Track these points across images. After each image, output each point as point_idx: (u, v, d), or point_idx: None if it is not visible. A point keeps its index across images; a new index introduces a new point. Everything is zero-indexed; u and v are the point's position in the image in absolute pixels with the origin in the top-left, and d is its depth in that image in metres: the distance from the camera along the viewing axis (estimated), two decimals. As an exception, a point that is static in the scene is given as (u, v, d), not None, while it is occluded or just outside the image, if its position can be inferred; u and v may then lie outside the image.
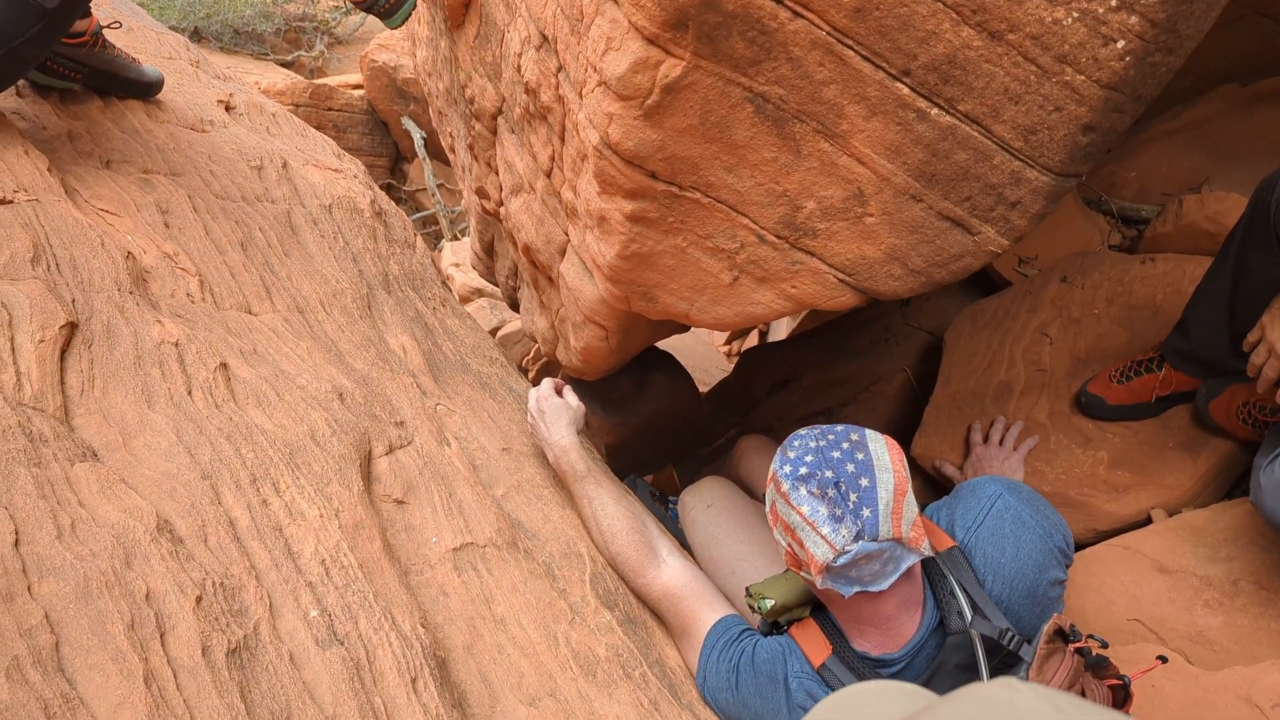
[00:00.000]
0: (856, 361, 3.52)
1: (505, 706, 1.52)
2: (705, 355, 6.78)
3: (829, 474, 1.52)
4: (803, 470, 1.55)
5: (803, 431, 1.65)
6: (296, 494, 1.60)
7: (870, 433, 1.62)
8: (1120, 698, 1.61)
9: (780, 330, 6.05)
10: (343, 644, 1.38)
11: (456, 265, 7.79)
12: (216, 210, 2.37)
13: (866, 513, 1.48)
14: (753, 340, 6.86)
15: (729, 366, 6.52)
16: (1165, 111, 3.35)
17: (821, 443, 1.59)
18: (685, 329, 2.70)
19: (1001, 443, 2.60)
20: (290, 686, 1.28)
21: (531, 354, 6.04)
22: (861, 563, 1.50)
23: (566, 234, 2.18)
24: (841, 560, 1.48)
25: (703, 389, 5.73)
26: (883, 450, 1.58)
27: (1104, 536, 2.38)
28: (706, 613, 1.86)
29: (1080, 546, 2.38)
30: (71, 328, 1.68)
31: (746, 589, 1.81)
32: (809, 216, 1.73)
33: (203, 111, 2.93)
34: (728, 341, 7.35)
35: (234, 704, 1.20)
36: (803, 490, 1.53)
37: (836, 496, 1.49)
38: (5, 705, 1.05)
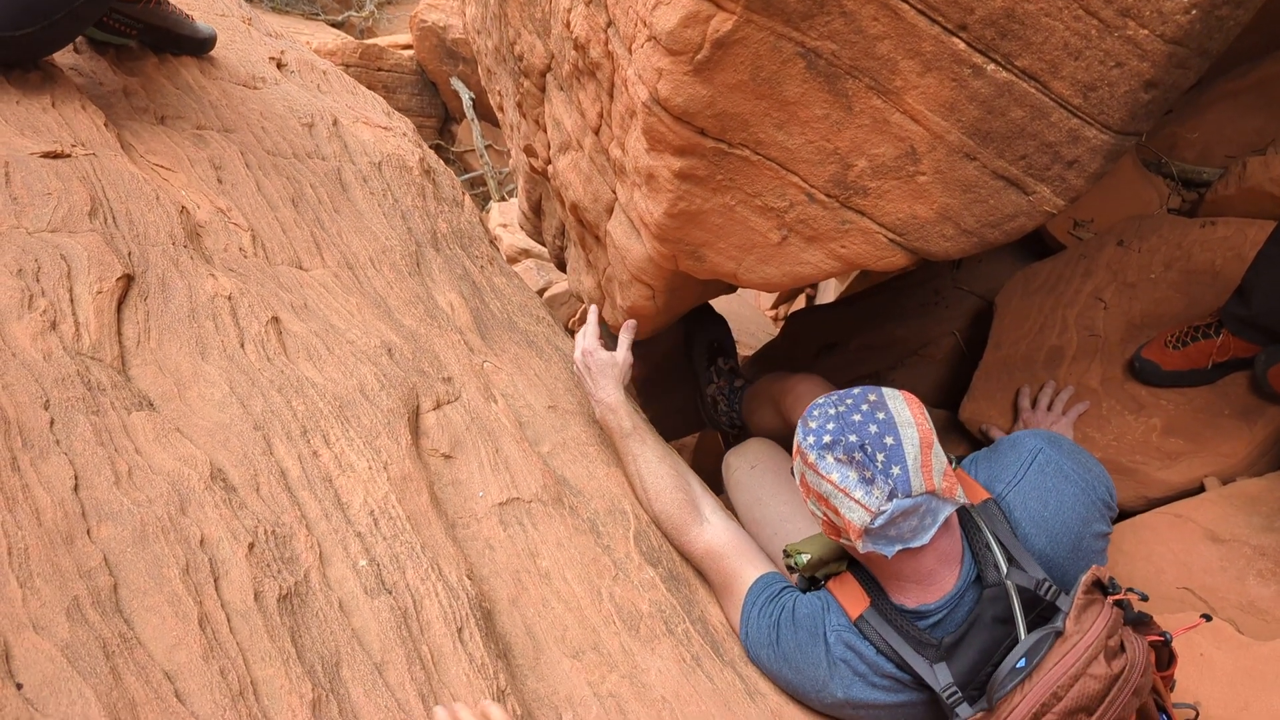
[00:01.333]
0: (905, 325, 3.48)
1: (549, 658, 1.54)
2: (751, 319, 6.76)
3: (853, 438, 1.51)
4: (826, 438, 1.53)
5: (820, 400, 1.63)
6: (346, 446, 1.63)
7: (887, 390, 1.61)
8: (1164, 657, 1.59)
9: (828, 293, 6.01)
10: (390, 593, 1.41)
11: (504, 226, 7.81)
12: (268, 166, 2.40)
13: (896, 470, 1.47)
14: (799, 304, 6.82)
15: (775, 330, 6.49)
16: (1231, 70, 3.25)
17: (840, 408, 1.57)
18: (732, 289, 2.68)
19: (1050, 407, 2.56)
20: (340, 633, 1.31)
21: (578, 315, 6.05)
22: (899, 520, 1.49)
23: (614, 192, 2.17)
24: (879, 521, 1.47)
25: (748, 352, 5.72)
26: (902, 406, 1.56)
27: (1155, 504, 2.34)
28: (748, 569, 1.86)
29: (1131, 514, 2.35)
30: (128, 280, 1.71)
31: (784, 549, 1.82)
32: (860, 175, 1.71)
33: (254, 68, 2.95)
34: (774, 305, 7.32)
35: (285, 648, 1.23)
36: (829, 458, 1.52)
37: (864, 459, 1.48)
38: (65, 643, 1.09)
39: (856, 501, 1.48)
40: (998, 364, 2.82)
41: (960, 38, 1.49)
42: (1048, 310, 2.84)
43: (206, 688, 1.13)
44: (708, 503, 2.01)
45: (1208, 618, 1.61)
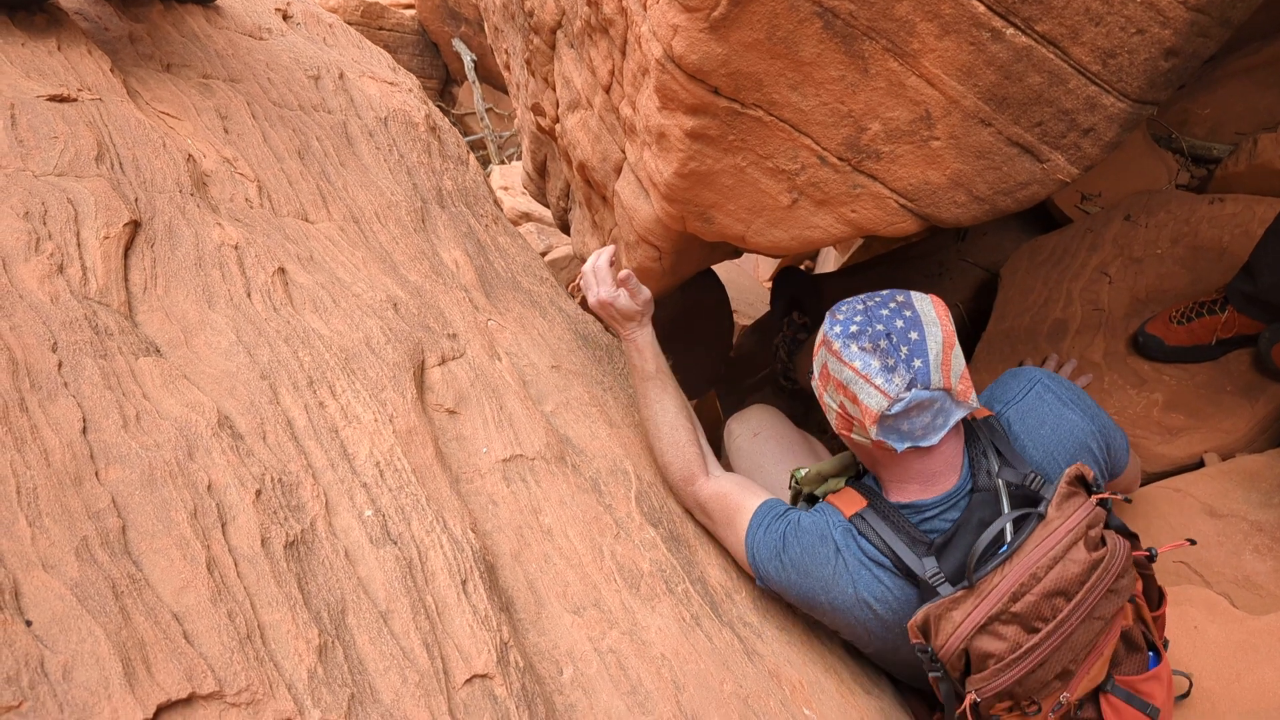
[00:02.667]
0: (908, 296, 3.47)
1: (551, 613, 1.55)
2: (749, 288, 6.76)
3: (879, 327, 1.55)
4: (853, 328, 1.57)
5: (848, 299, 1.67)
6: (352, 398, 1.62)
7: (915, 293, 1.64)
8: (1154, 594, 1.65)
9: (828, 264, 6.00)
10: (396, 544, 1.41)
11: (505, 189, 7.78)
12: (274, 118, 2.38)
13: (918, 363, 1.51)
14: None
15: (775, 300, 6.48)
16: (1244, 46, 3.23)
17: (870, 303, 1.61)
18: (739, 253, 2.67)
19: None
20: (345, 581, 1.32)
21: (579, 278, 6.04)
22: (913, 413, 1.53)
23: (623, 151, 2.16)
24: (896, 408, 1.51)
25: (746, 322, 5.72)
26: (929, 307, 1.59)
27: (1155, 478, 2.36)
28: (752, 500, 1.88)
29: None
30: (135, 226, 1.70)
31: (790, 473, 1.88)
32: (873, 139, 1.70)
33: (261, 19, 2.92)
34: (772, 276, 7.31)
35: (291, 593, 1.23)
36: (854, 347, 1.55)
37: (889, 347, 1.52)
38: (75, 582, 1.09)
39: (876, 388, 1.52)
40: (1001, 336, 2.82)
41: (981, 0, 1.47)
42: (1053, 283, 2.83)
43: (214, 630, 1.13)
44: (714, 461, 2.02)
45: (1192, 541, 1.64)
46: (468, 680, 1.29)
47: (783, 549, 1.74)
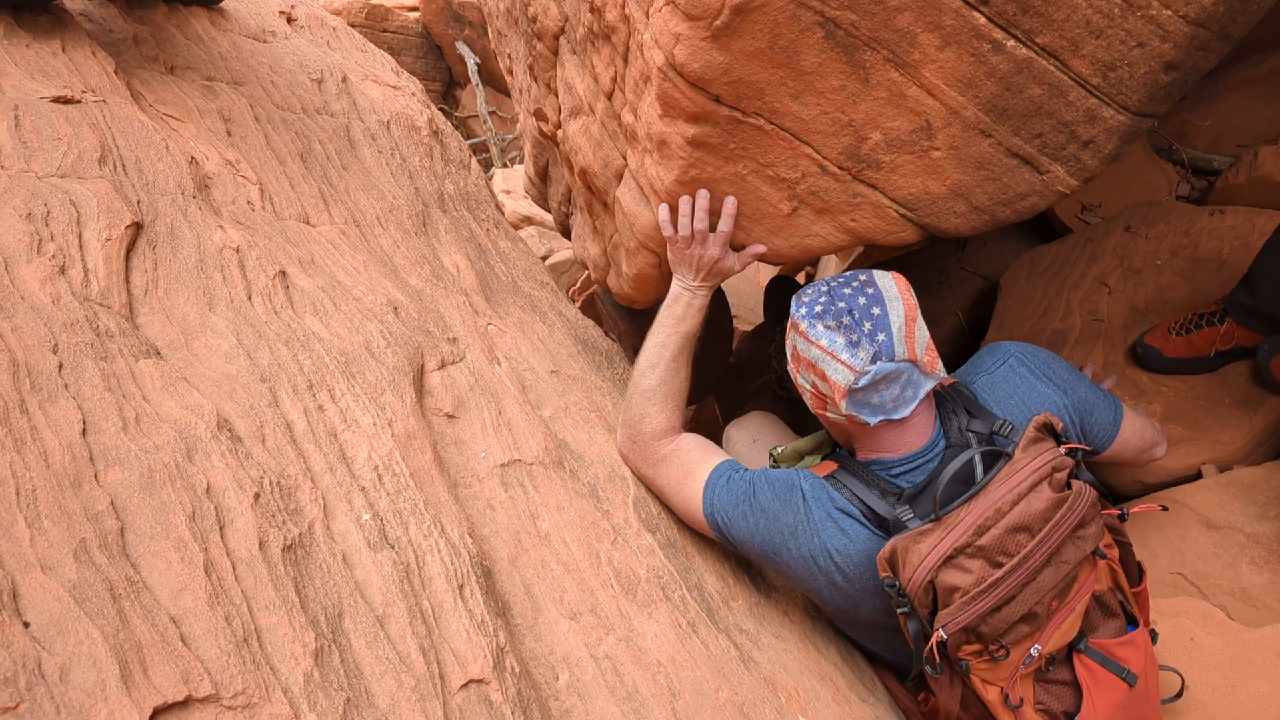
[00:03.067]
0: (908, 304, 3.48)
1: (547, 619, 1.55)
2: (750, 294, 6.75)
3: (842, 305, 1.59)
4: (818, 308, 1.62)
5: (813, 283, 1.71)
6: (351, 401, 1.63)
7: (877, 270, 1.68)
8: (1133, 570, 1.70)
9: (829, 270, 6.00)
10: (393, 548, 1.41)
11: (507, 192, 7.79)
12: (277, 121, 2.38)
13: (881, 337, 1.55)
14: (802, 280, 6.80)
15: (776, 306, 6.48)
16: (1245, 59, 3.23)
17: (833, 284, 1.65)
18: (738, 261, 2.67)
19: None
20: (343, 585, 1.32)
21: (579, 283, 6.04)
22: (881, 385, 1.57)
23: (624, 158, 2.16)
24: (863, 381, 1.55)
25: (746, 327, 5.72)
26: (890, 283, 1.63)
27: (1152, 489, 2.36)
28: (716, 457, 1.89)
29: (1127, 498, 2.36)
30: (137, 228, 1.70)
31: (769, 451, 1.92)
32: (874, 148, 1.71)
33: (264, 21, 2.93)
34: (766, 284, 7.29)
35: (289, 597, 1.24)
36: (819, 326, 1.60)
37: (851, 323, 1.57)
38: (73, 584, 1.09)
39: (843, 363, 1.56)
40: (1000, 345, 2.82)
41: (981, 12, 1.48)
42: (1052, 293, 2.84)
43: (211, 633, 1.13)
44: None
45: (1164, 508, 1.67)
46: (464, 685, 1.29)
47: (752, 495, 1.75)
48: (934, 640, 1.47)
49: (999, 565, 1.44)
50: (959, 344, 3.26)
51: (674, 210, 1.95)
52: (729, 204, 1.89)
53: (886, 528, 1.60)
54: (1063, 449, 1.55)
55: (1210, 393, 2.43)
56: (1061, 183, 1.65)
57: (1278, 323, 2.26)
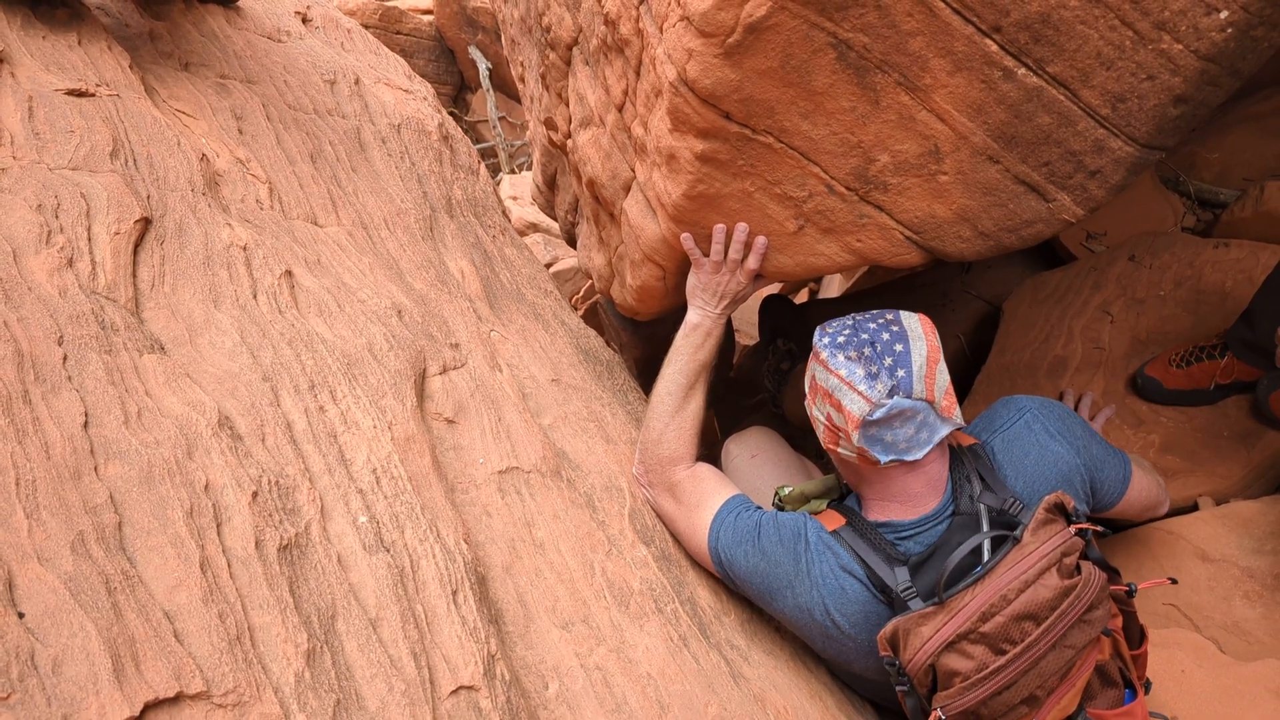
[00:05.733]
0: (910, 325, 3.48)
1: (539, 627, 1.56)
2: (751, 308, 6.75)
3: (865, 338, 1.59)
4: (841, 339, 1.62)
5: (840, 316, 1.72)
6: (352, 403, 1.63)
7: (904, 311, 1.67)
8: (1135, 632, 1.66)
9: (831, 289, 6.00)
10: (388, 551, 1.42)
11: (514, 199, 7.81)
12: (289, 120, 2.39)
13: (901, 372, 1.54)
14: (803, 297, 6.81)
15: (778, 321, 6.48)
16: (1255, 93, 3.25)
17: (859, 318, 1.66)
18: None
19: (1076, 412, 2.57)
20: (337, 586, 1.32)
21: (582, 292, 6.05)
22: (895, 422, 1.56)
23: (633, 170, 2.17)
24: (878, 414, 1.54)
25: (748, 342, 5.73)
26: (916, 324, 1.63)
27: (1148, 520, 2.36)
28: (728, 490, 1.91)
29: (1122, 528, 2.36)
30: (146, 223, 1.71)
31: (775, 489, 1.91)
32: (881, 170, 1.71)
33: (280, 21, 2.95)
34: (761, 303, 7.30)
35: (283, 597, 1.24)
36: (840, 356, 1.59)
37: (872, 355, 1.56)
38: (69, 576, 1.10)
39: (859, 394, 1.55)
40: (1000, 370, 2.83)
41: (993, 39, 1.49)
42: (1055, 319, 2.84)
43: (204, 630, 1.14)
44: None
45: (1173, 580, 1.66)
46: (453, 691, 1.29)
47: (758, 537, 1.76)
48: (932, 719, 1.46)
49: (1002, 652, 1.42)
50: (960, 367, 3.26)
51: (698, 239, 1.99)
52: (760, 241, 1.93)
53: (888, 594, 1.59)
54: (1073, 529, 1.52)
55: (1209, 425, 2.43)
56: (1068, 211, 1.65)
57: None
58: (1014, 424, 1.78)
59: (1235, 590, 2.10)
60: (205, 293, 1.69)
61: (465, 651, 1.35)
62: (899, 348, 1.56)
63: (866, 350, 1.56)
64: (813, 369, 1.68)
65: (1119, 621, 1.61)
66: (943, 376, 1.59)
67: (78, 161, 1.74)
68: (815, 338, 1.68)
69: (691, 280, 2.07)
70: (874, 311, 1.67)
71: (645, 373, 3.69)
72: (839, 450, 1.66)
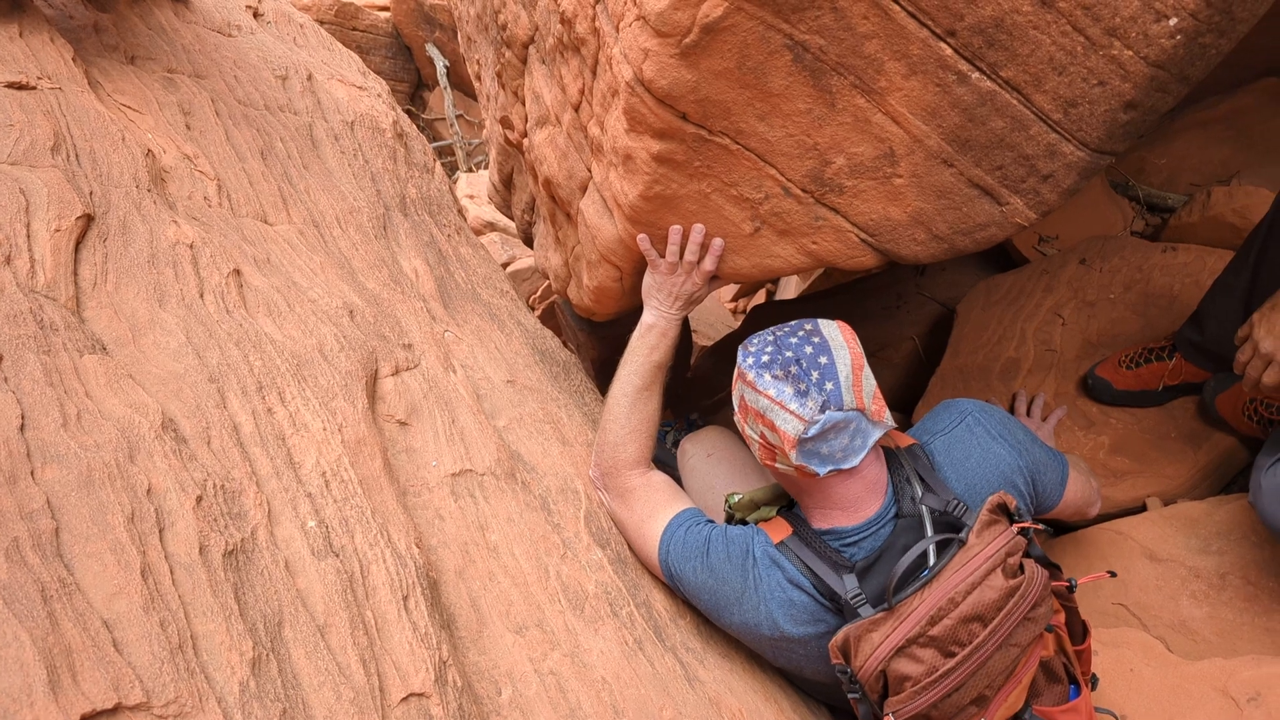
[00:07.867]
0: (865, 326, 3.50)
1: (492, 632, 1.54)
2: (711, 310, 6.77)
3: (789, 354, 1.58)
4: (764, 358, 1.61)
5: (758, 332, 1.71)
6: (301, 405, 1.60)
7: (821, 320, 1.68)
8: (1078, 628, 1.68)
9: (789, 290, 6.03)
10: (338, 556, 1.39)
11: (470, 197, 7.76)
12: (239, 116, 2.35)
13: (829, 386, 1.54)
14: (760, 298, 6.84)
15: (735, 323, 6.51)
16: (1202, 100, 3.30)
17: (779, 333, 1.65)
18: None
19: (1029, 414, 2.60)
20: (284, 593, 1.29)
21: (540, 292, 6.02)
22: (830, 435, 1.56)
23: (589, 170, 2.16)
24: (812, 431, 1.54)
25: (706, 343, 5.73)
26: (835, 332, 1.63)
27: (1096, 520, 2.39)
28: (680, 503, 1.91)
29: (1072, 529, 2.39)
30: (88, 220, 1.67)
31: (724, 496, 1.90)
32: (837, 172, 1.72)
33: (230, 15, 2.89)
34: (734, 298, 7.33)
35: (227, 604, 1.21)
36: (766, 376, 1.59)
37: (799, 373, 1.56)
38: (3, 585, 1.06)
39: (791, 413, 1.55)
40: (954, 372, 2.85)
41: (948, 43, 1.50)
42: (1007, 322, 2.87)
43: (145, 638, 1.10)
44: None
45: (1113, 574, 1.67)
46: (404, 699, 1.27)
47: (706, 552, 1.76)
48: None
49: (951, 655, 1.43)
50: (914, 369, 3.29)
51: (654, 240, 2.00)
52: (716, 244, 1.93)
53: (837, 601, 1.60)
54: (1015, 529, 1.54)
55: (1157, 426, 2.46)
56: (1020, 215, 1.66)
57: (1224, 360, 2.30)
58: (955, 427, 1.80)
59: (1182, 590, 2.13)
60: (150, 292, 1.65)
61: (416, 658, 1.33)
62: (824, 360, 1.57)
63: (793, 369, 1.56)
64: (740, 390, 1.67)
65: (1061, 617, 1.63)
66: (869, 382, 1.60)
67: (17, 156, 1.69)
68: (739, 358, 1.68)
69: (648, 281, 2.06)
70: (793, 324, 1.67)
71: (603, 373, 3.68)
72: (776, 466, 1.66)
